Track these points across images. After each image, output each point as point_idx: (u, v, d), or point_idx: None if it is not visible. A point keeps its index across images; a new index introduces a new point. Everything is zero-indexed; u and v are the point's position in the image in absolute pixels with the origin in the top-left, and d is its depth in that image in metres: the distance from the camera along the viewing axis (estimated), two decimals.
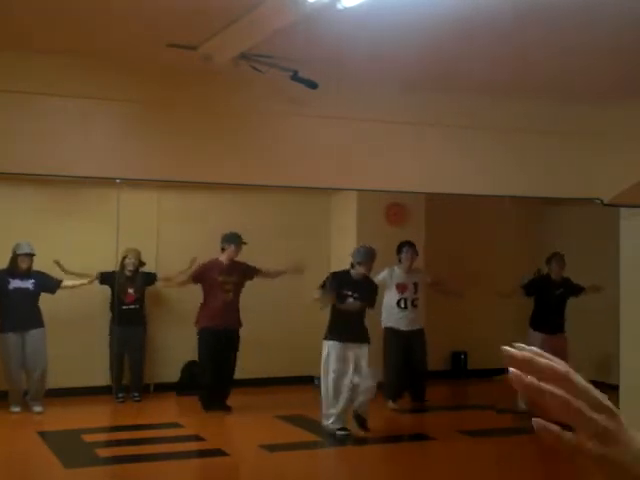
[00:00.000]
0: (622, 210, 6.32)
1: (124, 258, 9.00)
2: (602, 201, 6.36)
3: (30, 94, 5.31)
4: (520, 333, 11.14)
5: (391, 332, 8.72)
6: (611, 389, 7.81)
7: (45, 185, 8.89)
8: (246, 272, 8.65)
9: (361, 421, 7.56)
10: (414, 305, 8.68)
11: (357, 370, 7.53)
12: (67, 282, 8.68)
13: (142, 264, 9.14)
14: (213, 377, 8.55)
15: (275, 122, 5.91)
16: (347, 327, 7.50)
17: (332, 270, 8.90)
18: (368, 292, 7.66)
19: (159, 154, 5.69)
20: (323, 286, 7.71)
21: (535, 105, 6.48)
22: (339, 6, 4.23)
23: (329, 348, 7.51)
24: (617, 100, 6.30)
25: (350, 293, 7.55)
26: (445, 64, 5.63)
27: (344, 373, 7.47)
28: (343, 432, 7.38)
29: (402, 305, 8.65)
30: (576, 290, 8.93)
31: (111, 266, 9.01)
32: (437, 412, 9.03)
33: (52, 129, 5.39)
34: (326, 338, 7.57)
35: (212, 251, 8.80)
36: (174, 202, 9.73)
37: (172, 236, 9.53)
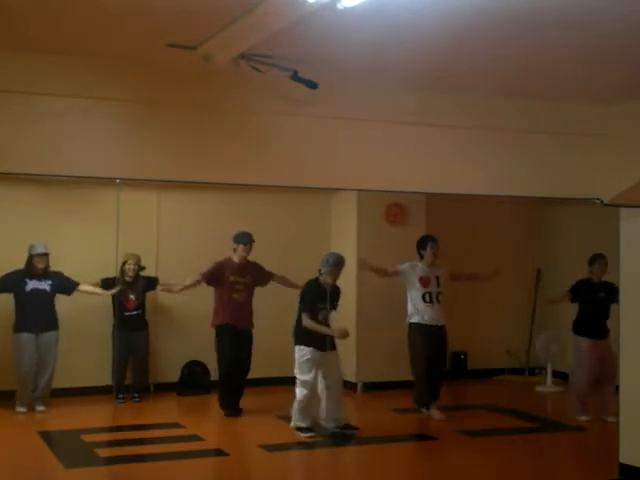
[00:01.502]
0: (622, 210, 6.31)
1: (124, 264, 8.98)
2: (602, 201, 6.36)
3: (30, 94, 5.31)
4: (520, 334, 11.18)
5: (417, 328, 8.42)
6: None
7: (45, 185, 8.90)
8: (259, 275, 8.59)
9: (347, 429, 7.59)
10: (438, 300, 8.41)
11: (325, 377, 7.52)
12: (84, 287, 8.71)
13: (142, 268, 9.13)
14: (233, 376, 8.43)
15: (275, 122, 5.91)
16: (316, 335, 7.43)
17: None
18: (335, 300, 7.61)
19: (159, 154, 5.69)
20: (303, 300, 7.59)
21: (535, 105, 6.49)
22: (339, 6, 4.23)
23: (301, 353, 7.44)
24: (617, 100, 6.30)
25: (323, 305, 7.48)
26: (445, 64, 5.63)
27: (314, 379, 7.46)
28: (310, 433, 7.40)
29: (427, 299, 8.38)
30: (616, 296, 8.58)
31: (111, 266, 9.01)
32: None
33: (52, 129, 5.39)
34: (297, 343, 7.50)
35: (212, 251, 8.79)
36: (174, 202, 9.73)
37: (172, 236, 9.53)
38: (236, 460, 7.05)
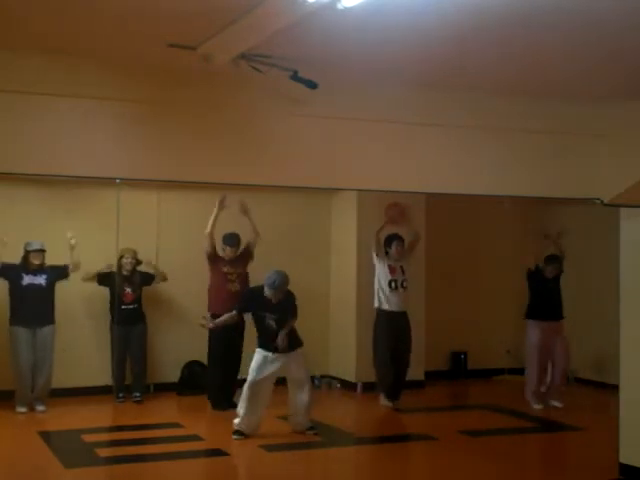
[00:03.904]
0: (622, 210, 6.31)
1: (121, 258, 9.05)
2: (602, 201, 6.36)
3: (30, 94, 5.30)
4: (520, 334, 11.17)
5: (383, 314, 9.02)
6: (611, 389, 7.83)
7: (45, 185, 8.90)
8: (245, 257, 8.80)
9: (308, 429, 7.60)
10: (403, 287, 9.08)
11: (292, 380, 7.50)
12: (72, 260, 8.72)
13: (139, 263, 9.18)
14: (223, 372, 8.59)
15: (275, 122, 5.90)
16: (271, 339, 7.38)
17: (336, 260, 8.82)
18: (287, 309, 7.48)
19: (159, 154, 5.69)
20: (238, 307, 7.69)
21: (535, 105, 6.48)
22: (339, 6, 4.22)
23: (256, 355, 7.44)
24: (617, 100, 6.30)
25: (267, 314, 7.37)
26: (445, 64, 5.62)
27: (265, 382, 7.40)
28: (237, 436, 7.39)
29: (393, 286, 9.02)
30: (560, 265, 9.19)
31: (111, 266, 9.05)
32: (437, 412, 9.03)
33: (52, 129, 5.38)
34: (257, 346, 7.49)
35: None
36: (174, 202, 9.73)
37: (172, 236, 9.53)
38: (236, 460, 7.06)
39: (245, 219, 8.82)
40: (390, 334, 8.95)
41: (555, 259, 9.16)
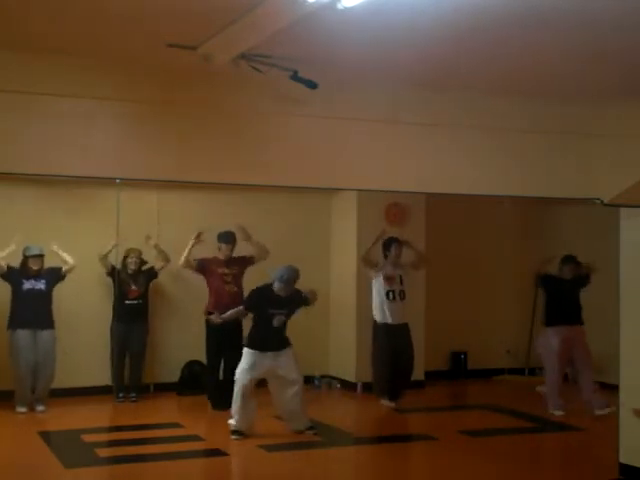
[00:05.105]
0: (622, 210, 6.31)
1: (125, 258, 9.07)
2: (602, 201, 6.36)
3: (30, 94, 5.31)
4: (520, 334, 11.18)
5: (381, 326, 8.90)
6: (611, 389, 7.82)
7: (45, 185, 8.89)
8: (243, 262, 8.85)
9: (308, 428, 7.58)
10: (401, 297, 8.93)
11: (282, 379, 7.45)
12: (67, 264, 8.70)
13: (144, 263, 9.19)
14: (219, 372, 8.67)
15: (275, 122, 5.91)
16: (267, 338, 7.38)
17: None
18: (295, 305, 7.50)
19: (159, 154, 5.69)
20: (244, 304, 7.70)
21: (535, 105, 6.48)
22: (339, 6, 4.23)
23: (246, 356, 7.40)
24: (617, 100, 6.30)
25: (276, 311, 7.36)
26: (445, 64, 5.63)
27: (255, 381, 7.42)
28: (235, 436, 7.38)
29: (390, 297, 8.88)
30: (584, 280, 8.84)
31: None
32: (437, 412, 9.03)
33: (52, 129, 5.39)
34: (247, 346, 7.47)
35: (212, 251, 8.84)
36: (174, 202, 9.73)
37: (172, 236, 9.52)
38: (236, 460, 7.06)
39: (245, 222, 8.83)
40: (390, 349, 8.80)
41: (571, 259, 8.77)
